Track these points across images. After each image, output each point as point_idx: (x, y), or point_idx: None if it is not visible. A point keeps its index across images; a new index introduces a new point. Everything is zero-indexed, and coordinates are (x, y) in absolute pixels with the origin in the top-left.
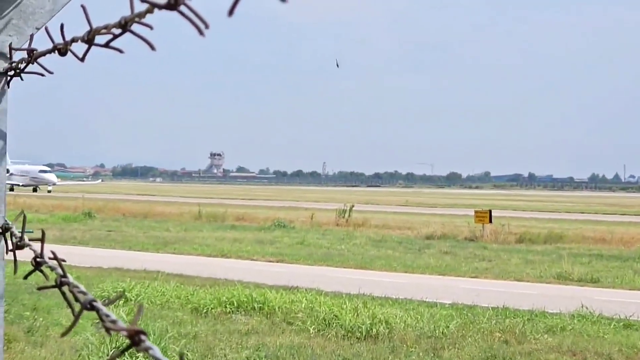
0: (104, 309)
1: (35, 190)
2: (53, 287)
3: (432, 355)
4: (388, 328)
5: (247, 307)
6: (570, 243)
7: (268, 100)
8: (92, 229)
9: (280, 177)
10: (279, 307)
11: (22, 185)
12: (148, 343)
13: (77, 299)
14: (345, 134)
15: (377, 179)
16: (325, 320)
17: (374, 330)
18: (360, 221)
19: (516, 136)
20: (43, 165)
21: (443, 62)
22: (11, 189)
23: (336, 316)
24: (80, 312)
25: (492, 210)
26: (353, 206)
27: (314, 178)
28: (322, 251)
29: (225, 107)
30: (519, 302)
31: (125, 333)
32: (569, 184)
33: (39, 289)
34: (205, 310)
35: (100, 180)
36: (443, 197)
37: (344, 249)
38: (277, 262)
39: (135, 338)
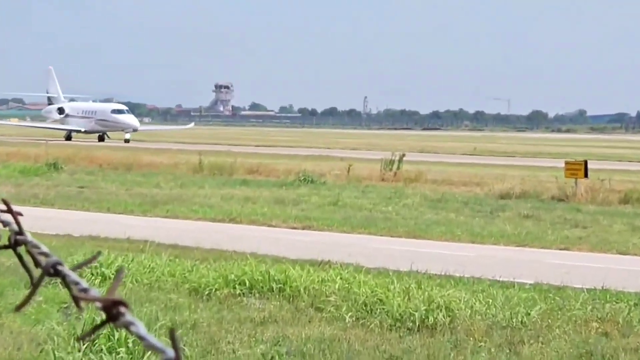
0: (73, 275)
1: (102, 139)
2: (5, 247)
3: (508, 351)
4: (449, 316)
5: (262, 288)
6: None
7: (289, 16)
8: (59, 184)
9: (308, 116)
10: (304, 288)
11: (85, 132)
12: (129, 317)
13: (37, 263)
14: (394, 59)
15: (436, 120)
16: (366, 306)
17: (431, 318)
18: (413, 175)
19: (620, 65)
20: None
21: None
22: (68, 137)
23: (380, 300)
24: (41, 278)
25: (589, 161)
26: (404, 155)
27: (352, 118)
28: (362, 214)
29: (234, 25)
30: (623, 282)
31: (99, 304)
32: None
33: None
34: (207, 292)
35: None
36: (523, 143)
37: (392, 212)
38: (303, 228)
39: (112, 311)
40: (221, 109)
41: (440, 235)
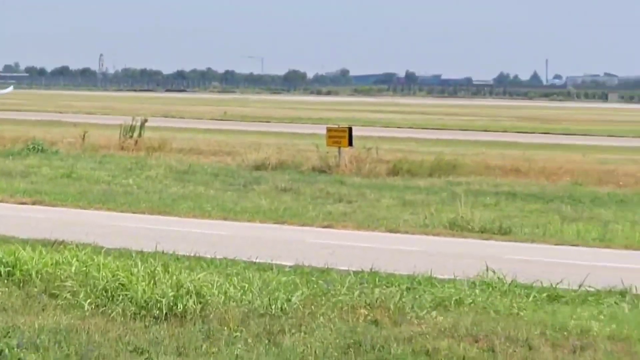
0: None
1: None
2: None
3: (267, 342)
4: (201, 302)
5: None
6: (469, 175)
7: None
8: None
9: (36, 76)
10: (36, 272)
11: None
12: None
13: None
14: (133, 12)
15: (181, 80)
16: (106, 292)
17: (180, 305)
18: (157, 143)
19: (385, 22)
20: None
21: None
22: None
23: (123, 285)
24: None
25: (353, 128)
26: (146, 120)
27: (87, 78)
28: (100, 187)
29: None
30: (394, 263)
31: None
32: (466, 87)
33: None
34: None
35: None
36: (279, 106)
37: (133, 185)
38: (33, 204)
39: None
40: None
41: (188, 211)
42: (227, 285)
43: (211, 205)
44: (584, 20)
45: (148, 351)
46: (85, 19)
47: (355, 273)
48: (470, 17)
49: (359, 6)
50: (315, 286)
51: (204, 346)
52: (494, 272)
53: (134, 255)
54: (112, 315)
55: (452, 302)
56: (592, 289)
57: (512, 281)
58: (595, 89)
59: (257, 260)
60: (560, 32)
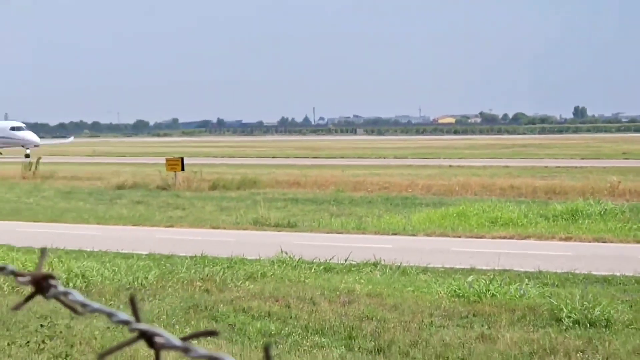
0: None
1: None
2: None
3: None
4: (85, 282)
5: None
6: (265, 188)
7: None
8: None
9: None
10: None
11: None
12: (61, 287)
13: None
14: (26, 78)
15: (62, 130)
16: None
17: (71, 284)
18: (48, 173)
19: (204, 81)
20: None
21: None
22: None
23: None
24: None
25: (184, 158)
26: (40, 158)
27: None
28: (9, 205)
29: None
30: (217, 250)
31: (27, 279)
32: (259, 128)
33: None
34: None
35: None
36: (131, 146)
37: (33, 203)
38: None
39: (42, 284)
40: None
41: (73, 220)
42: (103, 269)
43: (88, 214)
44: (338, 76)
45: (50, 317)
46: None
47: (191, 257)
48: (258, 72)
49: (181, 63)
50: (164, 267)
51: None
52: (286, 253)
53: (36, 251)
54: (23, 293)
55: (259, 275)
56: (354, 262)
57: (299, 259)
58: (347, 126)
59: (123, 251)
60: (321, 85)
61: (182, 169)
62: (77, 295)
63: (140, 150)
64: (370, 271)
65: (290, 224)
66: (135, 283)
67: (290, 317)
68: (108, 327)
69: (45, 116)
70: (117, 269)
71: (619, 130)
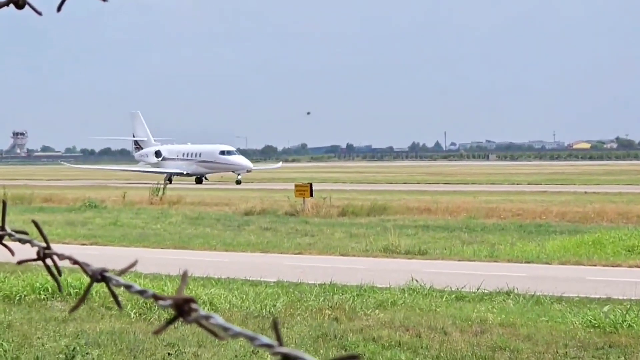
0: (121, 280)
1: (199, 181)
2: (35, 260)
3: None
4: (213, 309)
5: (62, 293)
6: (395, 214)
7: (71, 71)
8: None
9: (88, 155)
10: (96, 292)
11: (186, 175)
12: (203, 312)
13: (85, 271)
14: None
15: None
16: (146, 304)
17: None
18: (175, 199)
19: (332, 107)
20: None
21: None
22: (169, 180)
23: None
24: (90, 284)
25: (313, 184)
26: (167, 183)
27: (124, 155)
28: (136, 231)
29: (25, 80)
30: (346, 277)
31: (167, 302)
32: (389, 153)
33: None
34: (18, 298)
35: None
36: (260, 171)
37: (160, 228)
38: (90, 244)
39: (184, 307)
40: (18, 151)
41: (200, 246)
42: (230, 296)
43: (216, 241)
44: (470, 101)
45: (177, 345)
46: (111, 106)
47: (320, 285)
48: (388, 97)
49: (315, 92)
50: (292, 295)
51: (217, 340)
52: (417, 281)
53: (164, 277)
54: (150, 320)
55: (389, 303)
56: (486, 291)
57: (430, 287)
58: (479, 152)
59: (250, 278)
60: (452, 110)
61: (311, 194)
62: (219, 319)
63: (269, 175)
64: (503, 300)
65: (421, 251)
66: (264, 311)
67: (421, 347)
68: (236, 356)
69: (195, 140)
70: (244, 296)
71: None
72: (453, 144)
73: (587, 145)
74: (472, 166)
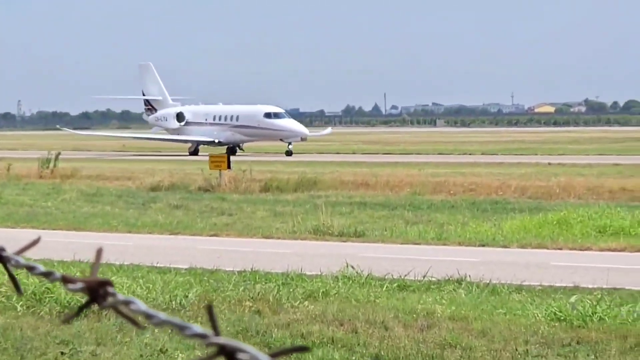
0: (22, 260)
1: (232, 151)
2: None
3: (170, 331)
4: None
5: None
6: (327, 190)
7: None
8: None
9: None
10: None
11: (217, 143)
12: (121, 295)
13: None
14: (45, 63)
15: (86, 120)
16: (35, 295)
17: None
18: (69, 172)
19: (248, 62)
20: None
21: None
22: (195, 151)
23: (49, 289)
24: None
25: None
26: (59, 154)
27: (7, 121)
28: (23, 210)
29: None
30: (270, 263)
31: (79, 286)
32: (320, 118)
33: None
34: None
35: None
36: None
37: (51, 206)
38: None
39: (99, 291)
40: None
41: (99, 227)
42: (135, 286)
43: (117, 221)
44: (414, 58)
45: (72, 342)
46: (5, 69)
47: (239, 273)
48: (318, 53)
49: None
50: (207, 284)
51: (118, 337)
52: (352, 267)
53: (56, 264)
54: (40, 314)
55: (320, 294)
56: (434, 279)
57: (368, 275)
58: (425, 116)
59: (158, 265)
60: (394, 70)
61: (229, 167)
62: (141, 305)
63: (179, 144)
64: (454, 290)
65: (357, 232)
66: (174, 303)
67: (358, 344)
68: (141, 355)
69: (66, 105)
70: (151, 285)
71: None
72: (394, 107)
73: (551, 109)
74: (416, 133)
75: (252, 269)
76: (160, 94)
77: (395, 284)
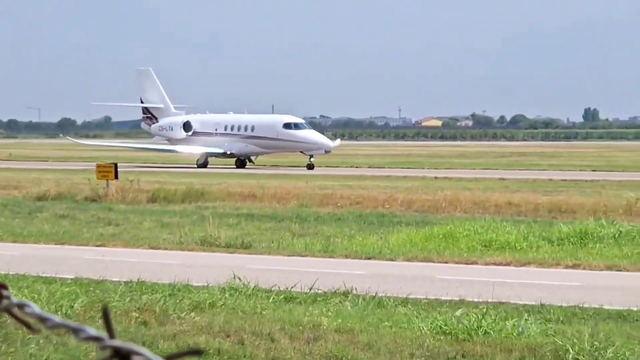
0: None
1: (242, 164)
2: None
3: (55, 343)
4: None
5: None
6: (214, 201)
7: None
8: None
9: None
10: None
11: (229, 155)
12: (14, 299)
13: None
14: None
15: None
16: None
17: None
18: None
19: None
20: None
21: None
22: (203, 164)
23: None
24: None
25: (118, 164)
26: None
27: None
28: None
29: None
30: (157, 274)
31: None
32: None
33: None
34: None
35: None
36: (56, 148)
37: None
38: None
39: None
40: None
41: None
42: (20, 296)
43: (2, 230)
44: (302, 70)
45: None
46: None
47: (126, 283)
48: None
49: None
50: (93, 295)
51: (3, 347)
52: (239, 279)
53: None
54: None
55: (207, 305)
56: (320, 291)
57: (254, 286)
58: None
59: (44, 275)
60: (280, 79)
61: (116, 177)
62: (35, 308)
63: (66, 154)
64: (340, 302)
65: (245, 244)
66: (59, 313)
67: (244, 356)
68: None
69: None
70: (37, 295)
71: (637, 137)
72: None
73: (438, 123)
74: None
75: (138, 280)
76: (162, 101)
77: (281, 296)
